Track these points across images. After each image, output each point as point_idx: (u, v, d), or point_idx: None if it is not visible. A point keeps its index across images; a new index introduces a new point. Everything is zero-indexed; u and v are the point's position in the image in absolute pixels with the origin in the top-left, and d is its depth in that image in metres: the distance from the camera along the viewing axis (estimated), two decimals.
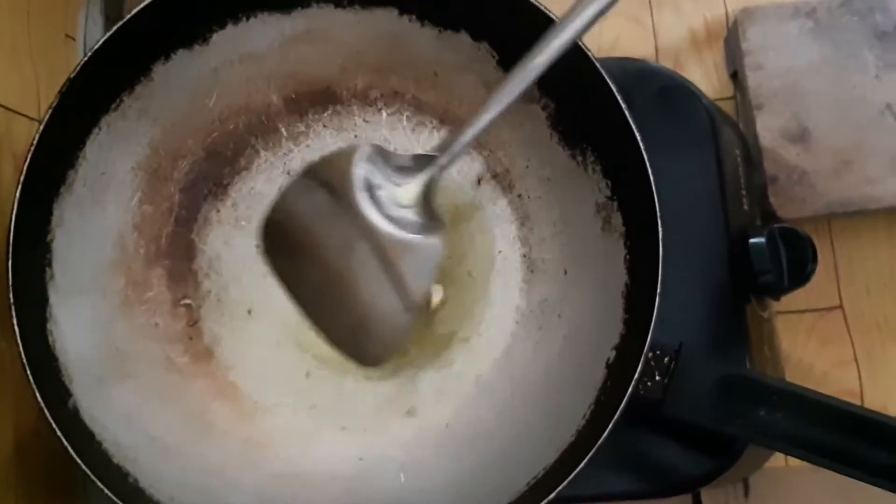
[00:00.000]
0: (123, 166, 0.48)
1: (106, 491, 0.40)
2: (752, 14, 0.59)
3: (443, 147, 0.38)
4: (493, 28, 0.46)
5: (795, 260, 0.49)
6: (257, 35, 0.48)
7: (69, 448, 0.40)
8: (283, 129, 0.51)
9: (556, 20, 0.36)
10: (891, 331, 0.59)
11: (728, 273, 0.50)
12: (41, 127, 0.42)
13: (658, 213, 0.41)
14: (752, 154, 0.58)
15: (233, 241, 0.51)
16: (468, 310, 0.50)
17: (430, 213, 0.38)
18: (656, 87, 0.52)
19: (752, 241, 0.50)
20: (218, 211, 0.51)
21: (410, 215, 0.38)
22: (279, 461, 0.47)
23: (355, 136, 0.52)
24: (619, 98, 0.42)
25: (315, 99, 0.51)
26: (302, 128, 0.51)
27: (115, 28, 0.43)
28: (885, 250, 0.60)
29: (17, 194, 0.41)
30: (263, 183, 0.51)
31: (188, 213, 0.50)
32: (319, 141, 0.52)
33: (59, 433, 0.40)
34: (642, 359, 0.40)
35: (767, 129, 0.57)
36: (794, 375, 0.58)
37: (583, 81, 0.43)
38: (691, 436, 0.47)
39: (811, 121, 0.57)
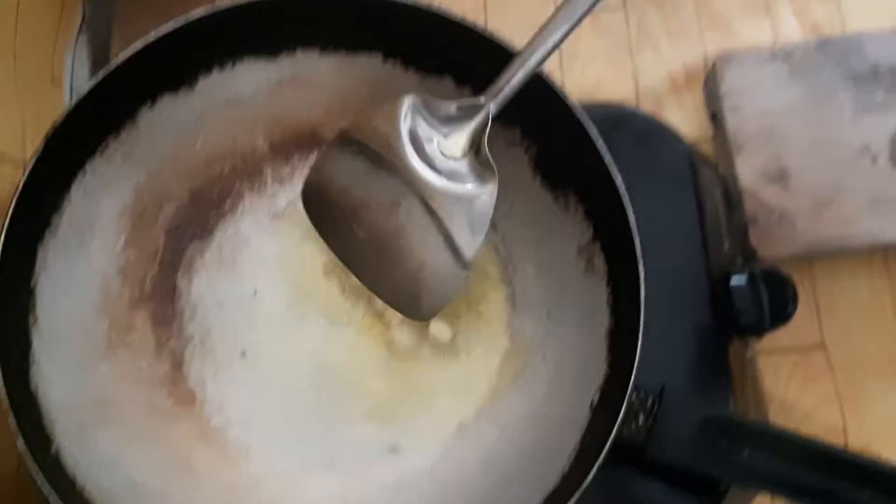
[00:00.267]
0: (109, 210, 0.48)
1: None
2: (729, 58, 0.60)
3: (491, 93, 0.38)
4: (476, 73, 0.46)
5: (776, 300, 0.50)
6: (243, 80, 0.49)
7: (52, 494, 0.39)
8: (268, 172, 0.52)
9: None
10: (873, 368, 0.60)
11: (710, 313, 0.51)
12: (26, 171, 0.42)
13: (640, 256, 0.42)
14: (732, 195, 0.58)
15: (218, 284, 0.50)
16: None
17: (481, 161, 0.38)
18: (636, 130, 0.53)
19: (732, 281, 0.50)
20: (203, 253, 0.51)
21: (461, 167, 0.38)
22: None
23: None
24: (599, 142, 0.43)
25: (301, 142, 0.52)
26: (287, 170, 0.52)
27: (100, 76, 0.43)
28: (865, 289, 0.60)
29: (2, 239, 0.41)
30: (248, 225, 0.51)
31: (173, 256, 0.50)
32: None
33: (41, 479, 0.39)
34: (626, 400, 0.41)
35: (747, 171, 0.58)
36: (778, 414, 0.58)
37: (565, 126, 0.44)
38: (676, 477, 0.47)
39: (790, 162, 0.58)
